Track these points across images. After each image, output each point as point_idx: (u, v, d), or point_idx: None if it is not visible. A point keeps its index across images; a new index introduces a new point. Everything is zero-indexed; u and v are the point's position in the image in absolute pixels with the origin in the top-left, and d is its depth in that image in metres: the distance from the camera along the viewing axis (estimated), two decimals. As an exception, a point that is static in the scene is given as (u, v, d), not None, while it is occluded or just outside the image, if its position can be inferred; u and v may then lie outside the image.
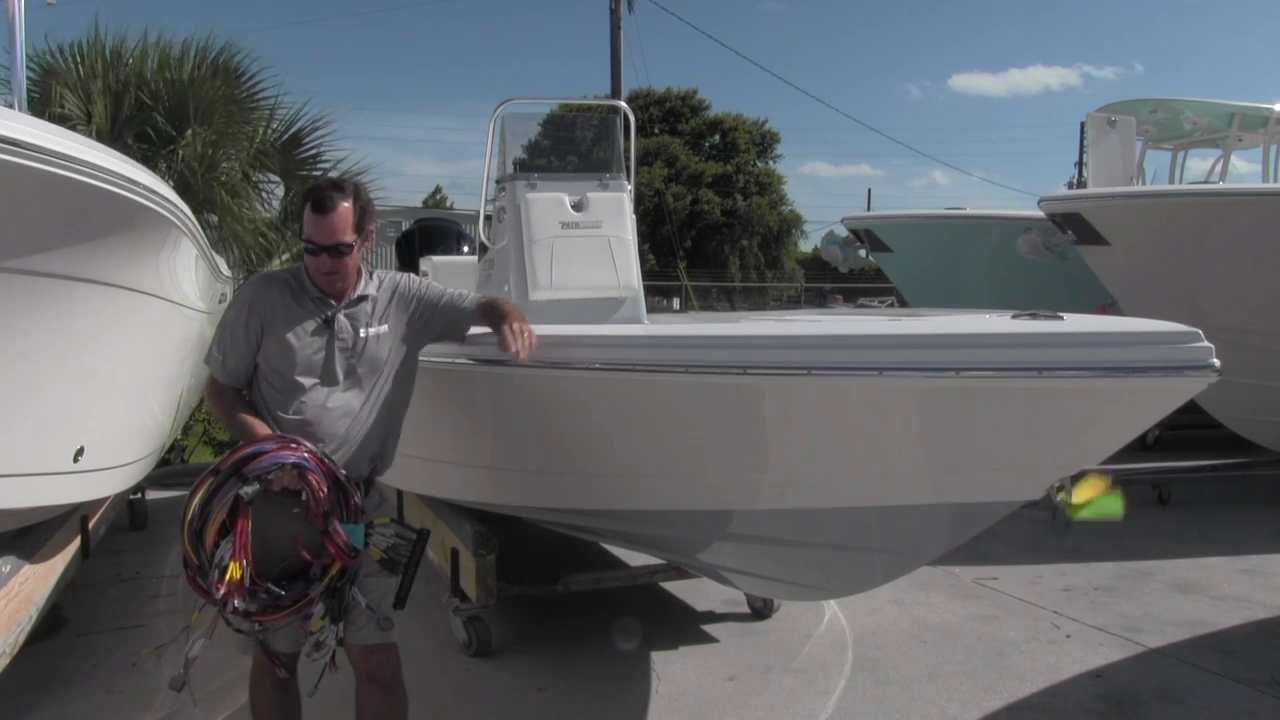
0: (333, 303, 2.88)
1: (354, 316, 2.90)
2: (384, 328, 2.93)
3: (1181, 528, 6.90)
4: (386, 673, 2.90)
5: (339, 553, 2.65)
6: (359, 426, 2.86)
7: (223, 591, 2.52)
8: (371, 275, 2.99)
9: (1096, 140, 8.09)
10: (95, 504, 4.59)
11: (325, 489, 2.63)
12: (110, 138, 8.19)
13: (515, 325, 2.85)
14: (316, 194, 2.81)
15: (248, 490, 2.54)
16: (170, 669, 2.77)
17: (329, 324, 2.86)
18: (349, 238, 2.80)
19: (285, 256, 9.79)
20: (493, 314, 2.99)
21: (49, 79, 8.33)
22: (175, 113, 8.74)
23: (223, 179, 8.63)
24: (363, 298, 2.92)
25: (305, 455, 2.62)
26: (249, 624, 2.65)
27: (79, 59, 8.62)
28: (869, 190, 78.67)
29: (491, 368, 3.23)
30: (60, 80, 8.30)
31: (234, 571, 2.53)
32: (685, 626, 4.85)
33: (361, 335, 2.89)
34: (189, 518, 2.56)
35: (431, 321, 3.04)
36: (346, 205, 2.80)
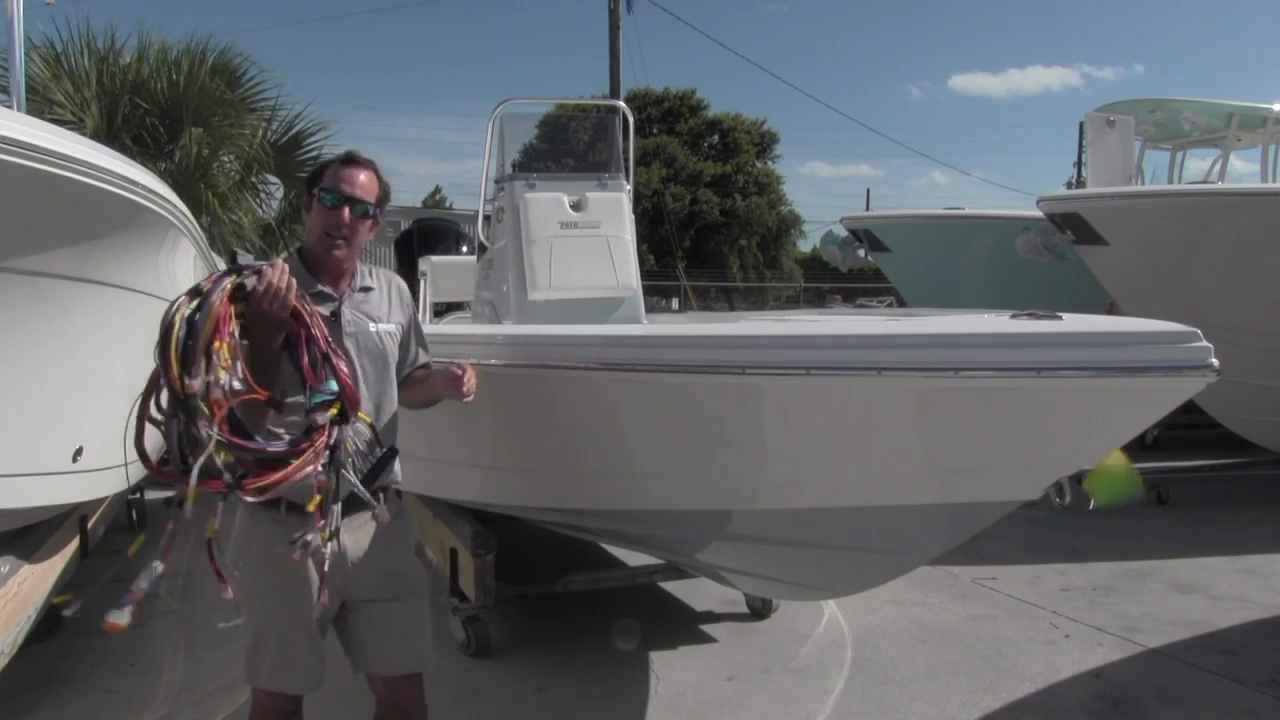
0: (334, 295, 2.62)
1: (361, 309, 2.66)
2: (393, 326, 2.74)
3: (1180, 528, 6.90)
4: (410, 699, 2.73)
5: (351, 387, 2.39)
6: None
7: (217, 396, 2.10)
8: (370, 271, 2.78)
9: (1095, 140, 8.10)
10: (94, 504, 4.59)
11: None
12: (105, 142, 8.15)
13: (465, 364, 2.71)
14: (347, 154, 2.69)
15: (248, 280, 2.29)
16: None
17: (336, 317, 2.58)
18: (373, 199, 2.64)
19: (282, 256, 9.77)
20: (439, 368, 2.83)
21: (46, 88, 8.20)
22: (172, 116, 8.71)
23: (215, 186, 8.59)
24: (367, 288, 2.72)
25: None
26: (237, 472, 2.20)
27: (70, 66, 8.52)
28: (868, 190, 78.89)
29: (490, 367, 3.23)
30: (52, 88, 8.19)
31: (222, 350, 2.14)
32: (684, 626, 4.84)
33: (373, 330, 2.65)
34: (175, 331, 2.13)
35: (405, 341, 2.84)
36: (374, 174, 2.67)
